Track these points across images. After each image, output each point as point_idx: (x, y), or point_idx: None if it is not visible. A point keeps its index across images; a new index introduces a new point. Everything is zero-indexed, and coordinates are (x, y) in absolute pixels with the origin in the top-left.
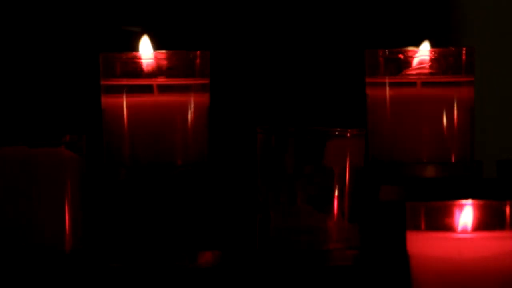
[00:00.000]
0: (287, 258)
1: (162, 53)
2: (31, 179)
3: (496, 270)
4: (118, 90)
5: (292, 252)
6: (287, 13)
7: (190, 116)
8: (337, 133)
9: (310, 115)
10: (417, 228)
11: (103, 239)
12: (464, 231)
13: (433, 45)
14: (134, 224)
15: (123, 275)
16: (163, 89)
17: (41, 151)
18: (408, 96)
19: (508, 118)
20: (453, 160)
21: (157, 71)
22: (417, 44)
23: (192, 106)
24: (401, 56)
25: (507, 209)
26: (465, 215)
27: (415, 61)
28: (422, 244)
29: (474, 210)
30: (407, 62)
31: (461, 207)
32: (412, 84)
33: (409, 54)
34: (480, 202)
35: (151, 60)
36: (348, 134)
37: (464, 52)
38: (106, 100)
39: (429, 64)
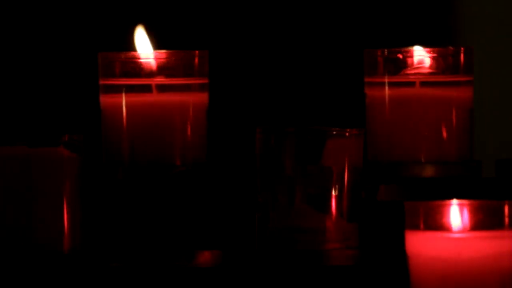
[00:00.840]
0: (286, 258)
1: (161, 52)
2: (29, 178)
3: (495, 270)
4: (117, 90)
5: (291, 252)
6: (286, 13)
7: (189, 116)
8: (336, 132)
9: (309, 115)
10: (415, 227)
11: (102, 239)
12: (463, 231)
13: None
14: (133, 224)
15: (123, 275)
16: (162, 88)
17: (40, 151)
18: (407, 96)
19: (507, 117)
20: (452, 160)
21: (156, 71)
22: (417, 44)
23: (191, 106)
24: (400, 56)
25: (506, 209)
26: (464, 215)
27: (414, 61)
28: (421, 244)
29: (472, 210)
30: (406, 62)
31: (460, 207)
32: (411, 83)
33: (408, 54)
34: (479, 202)
35: (150, 60)
36: (347, 134)
37: (462, 51)
38: (105, 100)
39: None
